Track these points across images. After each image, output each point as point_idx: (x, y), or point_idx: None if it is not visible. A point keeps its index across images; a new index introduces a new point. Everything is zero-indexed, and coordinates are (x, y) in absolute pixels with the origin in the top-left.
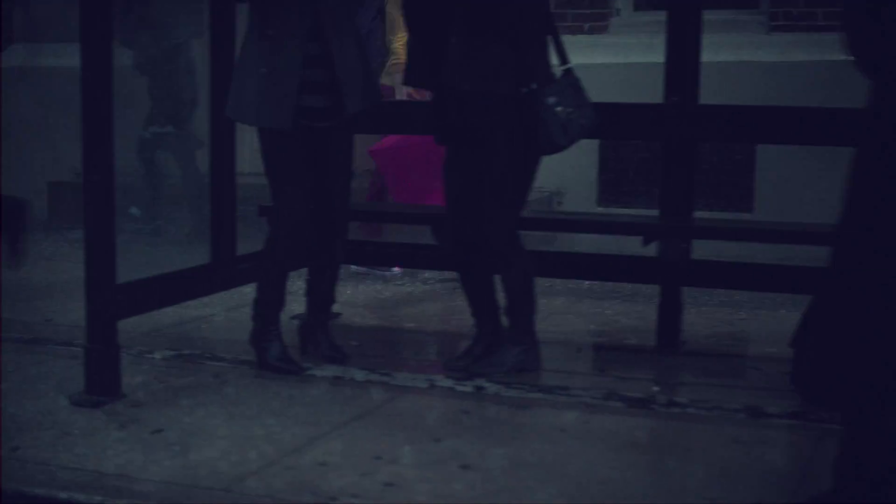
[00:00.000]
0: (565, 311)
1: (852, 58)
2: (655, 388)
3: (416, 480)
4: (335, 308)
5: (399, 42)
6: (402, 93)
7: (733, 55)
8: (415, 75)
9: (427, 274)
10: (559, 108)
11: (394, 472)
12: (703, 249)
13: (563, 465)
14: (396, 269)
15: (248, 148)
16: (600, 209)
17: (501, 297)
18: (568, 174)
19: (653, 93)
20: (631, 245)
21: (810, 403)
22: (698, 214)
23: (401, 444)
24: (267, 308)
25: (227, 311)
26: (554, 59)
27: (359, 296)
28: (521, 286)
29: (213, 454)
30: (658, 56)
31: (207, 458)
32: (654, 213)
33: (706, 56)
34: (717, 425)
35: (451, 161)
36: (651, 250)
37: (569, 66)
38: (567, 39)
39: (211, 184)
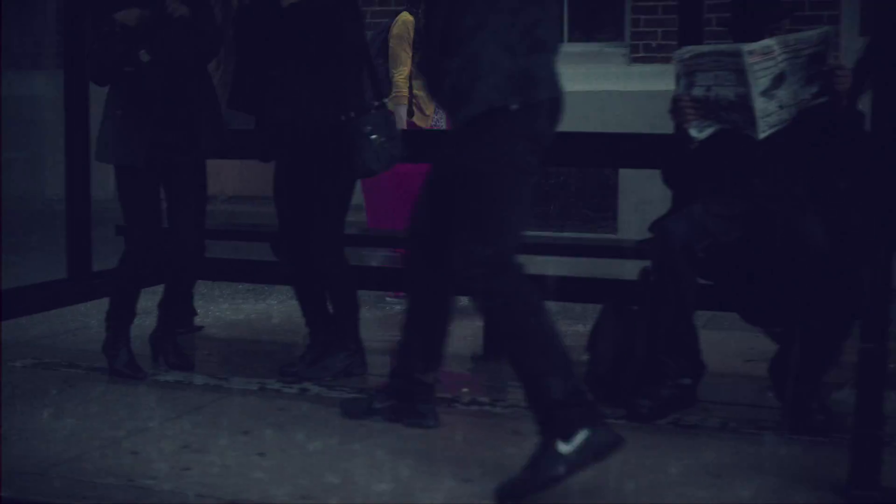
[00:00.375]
0: None
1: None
2: (465, 390)
3: (212, 465)
4: (198, 321)
5: (400, 76)
6: (403, 123)
7: (598, 84)
8: (238, 100)
9: None
10: (374, 137)
11: (195, 458)
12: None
13: (346, 454)
14: None
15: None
16: None
17: None
18: None
19: None
20: None
21: (603, 401)
22: (567, 235)
23: (211, 436)
24: (118, 320)
25: (98, 323)
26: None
27: (228, 310)
28: (344, 296)
29: (39, 446)
30: None
31: (33, 448)
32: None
33: (574, 86)
34: (504, 420)
35: (280, 182)
36: None
37: (384, 100)
38: None
39: (67, 206)
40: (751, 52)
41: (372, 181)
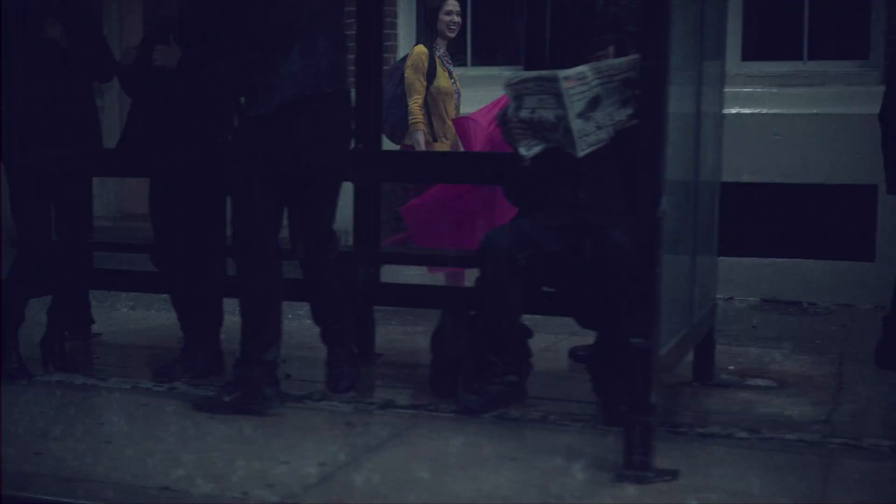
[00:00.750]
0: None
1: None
2: (319, 387)
3: (63, 451)
4: (96, 328)
5: (415, 103)
6: (422, 146)
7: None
8: (130, 140)
9: None
10: None
11: (50, 445)
12: None
13: (183, 441)
14: None
15: None
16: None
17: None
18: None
19: None
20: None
21: (441, 397)
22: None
23: (71, 426)
24: (7, 325)
25: None
26: None
27: (128, 319)
28: (204, 302)
29: None
30: None
31: None
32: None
33: (475, 108)
34: (343, 414)
35: (156, 199)
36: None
37: None
38: None
39: None
40: (566, 78)
41: (416, 210)
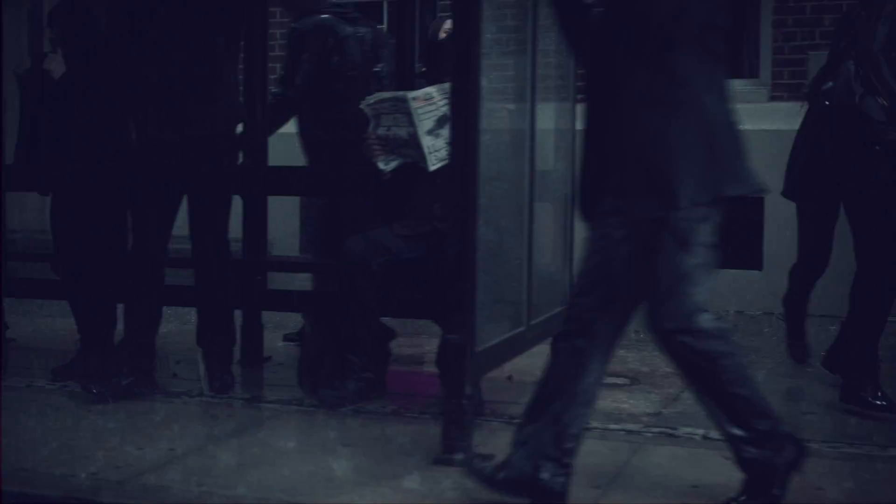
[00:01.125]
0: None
1: None
2: (200, 386)
3: None
4: (10, 334)
5: None
6: None
7: None
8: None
9: None
10: None
11: None
12: None
13: (58, 432)
14: None
15: None
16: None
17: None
18: (278, 226)
19: None
20: None
21: (307, 393)
22: None
23: None
24: None
25: None
26: None
27: (45, 325)
28: (105, 309)
29: None
30: None
31: None
32: None
33: None
34: (213, 407)
35: (57, 210)
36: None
37: None
38: None
39: None
40: (414, 98)
41: None
